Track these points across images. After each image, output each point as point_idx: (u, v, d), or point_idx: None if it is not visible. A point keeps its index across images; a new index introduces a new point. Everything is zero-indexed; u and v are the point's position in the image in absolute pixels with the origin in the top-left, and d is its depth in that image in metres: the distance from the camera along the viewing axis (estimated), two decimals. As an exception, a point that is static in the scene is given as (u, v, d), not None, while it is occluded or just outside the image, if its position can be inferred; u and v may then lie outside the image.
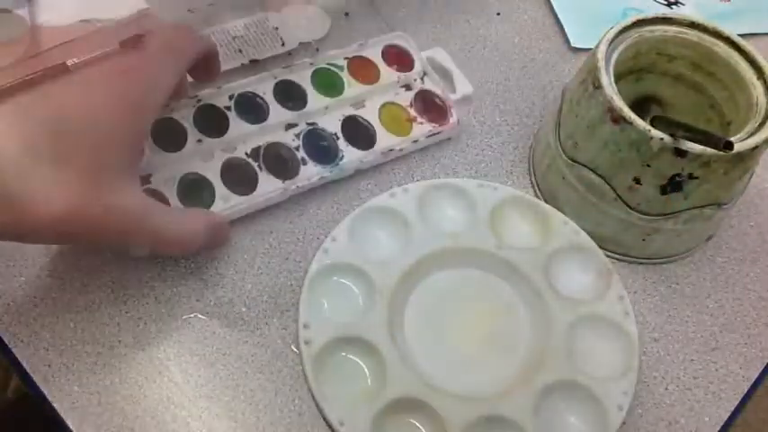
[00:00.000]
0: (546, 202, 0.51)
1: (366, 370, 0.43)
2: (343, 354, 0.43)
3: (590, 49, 0.47)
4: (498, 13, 0.63)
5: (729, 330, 0.48)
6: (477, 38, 0.61)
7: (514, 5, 0.64)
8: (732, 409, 0.45)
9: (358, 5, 0.61)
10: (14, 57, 0.55)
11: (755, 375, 0.46)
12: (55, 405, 0.41)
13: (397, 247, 0.47)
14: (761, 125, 0.43)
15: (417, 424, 0.41)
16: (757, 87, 0.45)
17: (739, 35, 0.46)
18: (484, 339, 0.45)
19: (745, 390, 0.45)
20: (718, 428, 0.44)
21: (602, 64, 0.44)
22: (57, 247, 0.47)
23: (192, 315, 0.45)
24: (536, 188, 0.52)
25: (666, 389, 0.45)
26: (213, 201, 0.47)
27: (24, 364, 0.43)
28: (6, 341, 0.43)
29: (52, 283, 0.46)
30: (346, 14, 0.60)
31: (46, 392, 0.42)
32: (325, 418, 0.41)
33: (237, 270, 0.47)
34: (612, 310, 0.45)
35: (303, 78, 0.53)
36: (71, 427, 0.41)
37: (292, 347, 0.44)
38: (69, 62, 0.55)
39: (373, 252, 0.46)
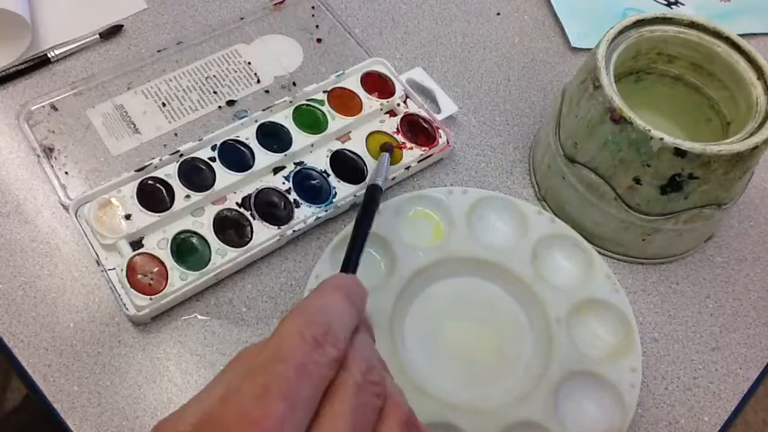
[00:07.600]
0: (546, 201, 0.51)
1: None
2: None
3: (590, 49, 0.47)
4: (498, 13, 0.63)
5: (729, 330, 0.48)
6: (477, 38, 0.61)
7: (514, 5, 0.64)
8: (732, 409, 0.45)
9: (328, 29, 0.59)
10: (15, 55, 0.55)
11: (755, 375, 0.46)
12: (55, 405, 0.41)
13: (383, 270, 0.46)
14: (761, 125, 0.43)
15: None
16: (757, 87, 0.45)
17: (739, 35, 0.46)
18: (488, 348, 0.45)
19: (745, 390, 0.45)
20: (718, 428, 0.44)
21: (602, 64, 0.44)
22: (55, 249, 0.47)
23: (191, 315, 0.45)
24: (536, 188, 0.52)
25: (666, 389, 0.45)
26: (210, 257, 0.45)
27: (24, 364, 0.43)
28: (6, 341, 0.43)
29: (52, 283, 0.46)
30: (318, 41, 0.58)
31: (46, 392, 0.42)
32: None
33: (237, 270, 0.47)
34: (602, 290, 0.45)
35: (284, 118, 0.51)
36: (71, 427, 0.41)
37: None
38: (50, 54, 0.55)
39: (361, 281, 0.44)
